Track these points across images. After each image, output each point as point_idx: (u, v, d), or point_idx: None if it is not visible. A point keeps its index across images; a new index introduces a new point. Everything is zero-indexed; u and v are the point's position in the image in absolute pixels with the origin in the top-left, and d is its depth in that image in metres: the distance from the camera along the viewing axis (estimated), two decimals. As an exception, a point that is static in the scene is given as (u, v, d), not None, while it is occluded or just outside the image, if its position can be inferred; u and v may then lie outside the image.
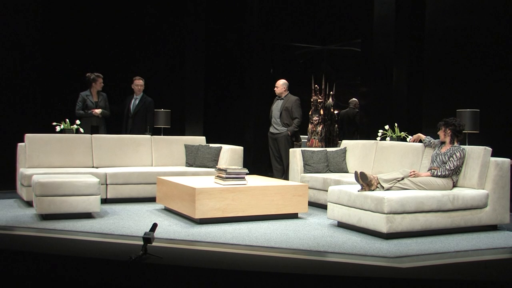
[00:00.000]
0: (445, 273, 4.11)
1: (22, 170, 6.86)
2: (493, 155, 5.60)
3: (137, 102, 8.62)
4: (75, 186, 5.77)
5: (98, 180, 5.94)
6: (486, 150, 5.55)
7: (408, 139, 6.87)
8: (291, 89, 8.49)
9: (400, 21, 9.05)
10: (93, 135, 7.63)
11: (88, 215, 5.89)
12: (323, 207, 6.49)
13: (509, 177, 5.61)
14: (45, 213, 5.75)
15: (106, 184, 6.96)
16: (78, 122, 7.70)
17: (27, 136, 7.24)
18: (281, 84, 8.37)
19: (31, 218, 5.81)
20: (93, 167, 7.44)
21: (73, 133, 7.59)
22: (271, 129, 8.39)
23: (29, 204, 6.53)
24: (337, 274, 4.02)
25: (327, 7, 10.74)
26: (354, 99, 10.67)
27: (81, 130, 7.67)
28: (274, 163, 8.41)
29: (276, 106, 8.37)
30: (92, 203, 5.83)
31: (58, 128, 7.53)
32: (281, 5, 11.02)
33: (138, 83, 8.62)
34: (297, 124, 8.23)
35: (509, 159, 5.62)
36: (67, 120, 7.64)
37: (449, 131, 5.70)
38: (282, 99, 8.33)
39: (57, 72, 9.56)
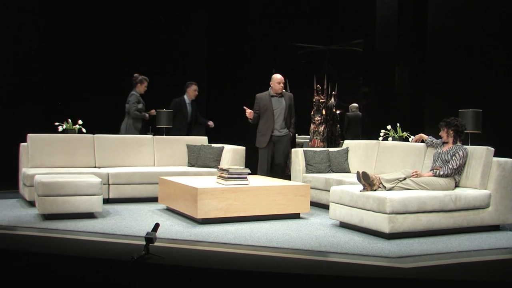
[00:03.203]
0: (448, 273, 4.11)
1: (25, 170, 6.87)
2: (496, 155, 5.58)
3: (191, 106, 8.72)
4: (77, 186, 5.77)
5: (100, 180, 5.94)
6: (489, 150, 5.53)
7: (410, 139, 6.86)
8: (293, 88, 8.46)
9: (403, 21, 9.05)
10: (95, 135, 7.62)
11: (90, 215, 5.89)
12: (325, 207, 6.49)
13: (512, 177, 5.60)
14: (47, 213, 5.75)
15: (108, 184, 6.96)
16: (80, 122, 7.70)
17: (30, 136, 7.24)
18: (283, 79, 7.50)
19: (33, 218, 5.81)
20: (95, 167, 7.44)
21: (75, 133, 7.60)
22: (273, 133, 7.40)
23: (31, 204, 6.53)
24: (339, 274, 4.01)
25: (329, 7, 10.73)
26: (355, 104, 10.68)
27: (83, 130, 7.68)
28: (264, 169, 7.39)
29: (279, 105, 7.42)
30: (94, 203, 5.83)
31: (60, 128, 7.53)
32: (283, 5, 11.01)
33: (196, 89, 8.68)
34: (294, 125, 7.58)
35: (511, 159, 5.61)
36: (69, 120, 7.64)
37: (451, 132, 5.68)
38: (282, 96, 7.48)
39: (60, 73, 9.57)
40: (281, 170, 7.48)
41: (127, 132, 8.31)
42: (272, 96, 7.44)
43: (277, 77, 7.43)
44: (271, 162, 7.47)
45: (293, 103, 7.55)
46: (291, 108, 7.50)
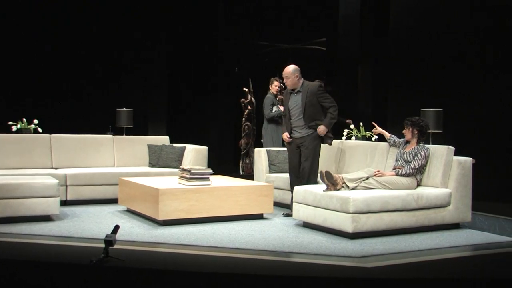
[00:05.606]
0: (410, 272, 4.14)
1: (-23, 171, 6.62)
2: (456, 154, 5.67)
3: None
4: (33, 188, 5.59)
5: (57, 181, 5.78)
6: (449, 149, 5.61)
7: (373, 139, 6.91)
8: (257, 88, 8.36)
9: (365, 20, 9.14)
10: (52, 135, 7.40)
11: (47, 218, 5.72)
12: (289, 207, 6.46)
13: (471, 176, 5.70)
14: (1, 216, 5.52)
15: (66, 186, 6.77)
16: (36, 121, 7.46)
17: (-18, 136, 6.99)
18: (291, 72, 6.17)
19: (-14, 222, 5.60)
20: (52, 168, 7.24)
21: (30, 133, 7.37)
22: (292, 134, 6.27)
23: (-16, 206, 6.29)
24: (302, 275, 3.99)
25: (292, 6, 10.75)
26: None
27: (39, 130, 7.45)
28: (292, 176, 6.34)
29: (295, 103, 6.19)
30: (51, 205, 5.66)
31: (14, 128, 7.30)
32: (247, 4, 10.97)
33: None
34: (334, 113, 6.09)
35: (471, 158, 5.71)
36: (24, 119, 7.40)
37: (416, 132, 5.73)
38: (299, 91, 6.20)
39: (14, 71, 9.30)
40: (306, 176, 6.11)
41: (267, 137, 7.97)
42: (291, 92, 6.31)
43: (285, 71, 6.26)
44: (298, 166, 6.25)
45: (322, 92, 6.10)
46: (314, 104, 6.10)
